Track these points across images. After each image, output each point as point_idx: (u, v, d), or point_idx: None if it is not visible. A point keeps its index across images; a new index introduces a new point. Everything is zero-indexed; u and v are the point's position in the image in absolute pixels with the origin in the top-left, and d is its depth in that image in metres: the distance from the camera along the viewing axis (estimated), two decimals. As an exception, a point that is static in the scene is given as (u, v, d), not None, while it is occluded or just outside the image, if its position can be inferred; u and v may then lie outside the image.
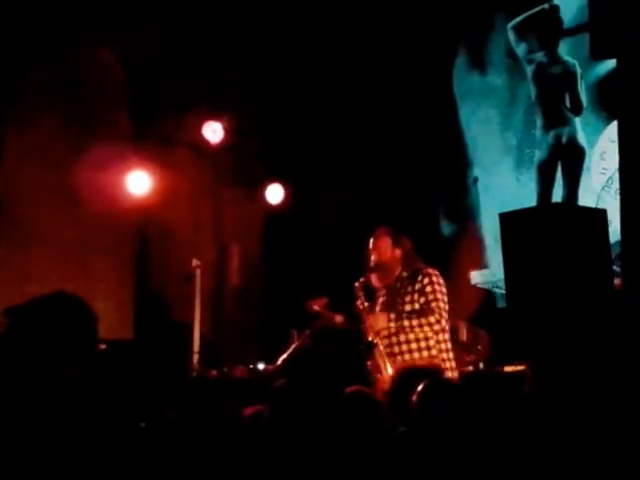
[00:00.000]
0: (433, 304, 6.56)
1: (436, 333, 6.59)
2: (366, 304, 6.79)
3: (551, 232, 5.71)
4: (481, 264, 10.92)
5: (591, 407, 4.87)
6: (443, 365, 6.48)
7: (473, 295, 10.53)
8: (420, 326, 6.54)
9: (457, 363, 7.47)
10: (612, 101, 9.25)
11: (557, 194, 10.40)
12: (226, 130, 10.21)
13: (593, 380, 5.21)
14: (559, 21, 10.49)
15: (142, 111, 10.53)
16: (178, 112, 10.52)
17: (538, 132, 10.67)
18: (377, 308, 6.83)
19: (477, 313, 9.70)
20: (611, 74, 9.04)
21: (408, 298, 6.65)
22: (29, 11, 9.51)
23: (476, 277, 10.88)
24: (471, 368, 8.62)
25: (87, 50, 10.10)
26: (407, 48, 10.75)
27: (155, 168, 9.96)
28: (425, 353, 6.55)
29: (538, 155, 10.62)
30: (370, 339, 6.67)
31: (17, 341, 2.91)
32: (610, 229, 6.10)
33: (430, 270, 6.71)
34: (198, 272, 9.93)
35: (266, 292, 11.47)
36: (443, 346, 6.62)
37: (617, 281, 6.15)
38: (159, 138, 10.45)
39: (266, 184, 10.85)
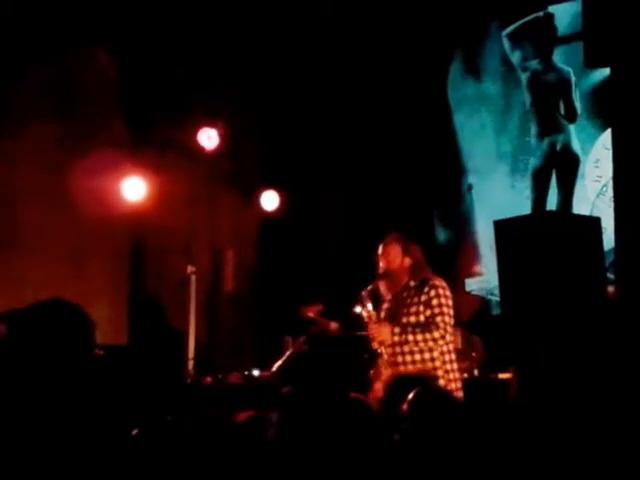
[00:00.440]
0: (438, 318, 6.44)
1: (440, 346, 6.53)
2: (372, 313, 6.68)
3: (545, 240, 5.72)
4: (476, 271, 10.93)
5: (584, 413, 4.88)
6: (446, 376, 6.43)
7: (468, 302, 10.54)
8: (425, 341, 6.46)
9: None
10: (606, 109, 9.28)
11: (552, 201, 10.42)
12: (221, 136, 10.21)
13: (586, 386, 5.22)
14: (554, 29, 10.52)
15: (138, 117, 10.53)
16: (174, 118, 10.52)
17: (533, 139, 10.70)
18: (382, 314, 6.76)
19: (472, 320, 9.70)
20: (605, 82, 9.06)
21: (413, 309, 6.54)
22: (25, 14, 9.51)
23: (471, 284, 10.89)
24: (466, 375, 8.63)
25: (83, 55, 10.11)
26: (402, 55, 10.78)
27: (150, 174, 9.97)
28: (429, 364, 6.48)
29: (533, 162, 10.64)
30: (375, 348, 6.63)
31: (14, 348, 2.92)
32: (604, 236, 6.12)
33: (437, 282, 6.54)
34: (193, 278, 9.95)
35: (261, 298, 11.47)
36: (447, 357, 6.55)
37: (611, 289, 6.17)
38: (155, 144, 10.44)
39: (261, 190, 10.85)
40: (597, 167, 10.26)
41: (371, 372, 6.72)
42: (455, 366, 6.59)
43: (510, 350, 5.99)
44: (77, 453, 2.79)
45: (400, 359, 6.52)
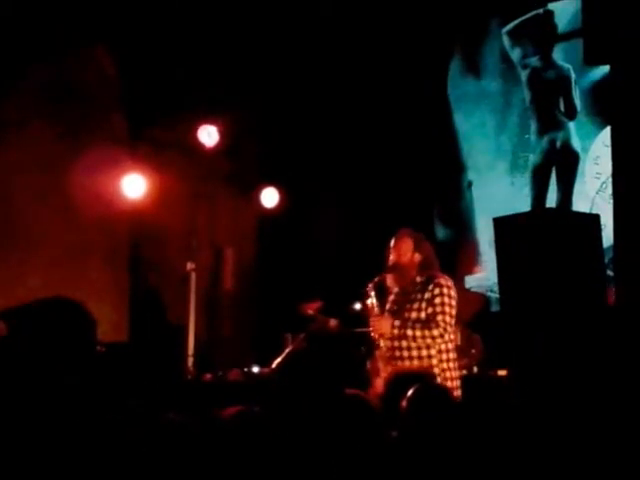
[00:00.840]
0: (439, 317, 6.46)
1: (438, 344, 6.54)
2: (376, 304, 6.71)
3: (545, 237, 5.73)
4: (476, 268, 10.94)
5: (583, 411, 4.89)
6: (442, 374, 6.45)
7: (468, 299, 10.55)
8: (423, 337, 6.48)
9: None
10: (606, 106, 9.29)
11: (551, 198, 10.42)
12: (221, 134, 10.22)
13: (584, 384, 5.23)
14: (553, 26, 10.52)
15: (137, 114, 10.53)
16: (173, 115, 10.52)
17: (532, 137, 10.70)
18: (387, 306, 6.79)
19: (472, 317, 9.70)
20: (605, 79, 9.07)
21: (416, 305, 6.57)
22: (25, 13, 9.51)
23: (471, 281, 10.90)
24: (465, 372, 8.64)
25: (82, 53, 10.11)
26: (402, 53, 10.78)
27: (150, 171, 9.97)
28: (426, 361, 6.50)
29: (532, 160, 10.65)
30: (374, 339, 6.67)
31: (15, 345, 2.92)
32: (604, 233, 6.12)
33: (442, 281, 6.55)
34: (193, 275, 9.95)
35: (260, 295, 11.48)
36: (444, 356, 6.56)
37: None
38: (154, 141, 10.45)
39: (261, 188, 10.85)
40: (597, 164, 10.26)
41: (368, 365, 6.74)
42: (452, 365, 6.60)
43: (508, 347, 5.99)
44: (78, 449, 2.80)
45: (398, 354, 6.55)
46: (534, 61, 10.72)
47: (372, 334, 6.66)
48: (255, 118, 11.22)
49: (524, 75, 10.80)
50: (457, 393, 6.40)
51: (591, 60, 6.47)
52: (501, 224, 6.06)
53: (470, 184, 11.17)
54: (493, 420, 4.12)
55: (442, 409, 4.07)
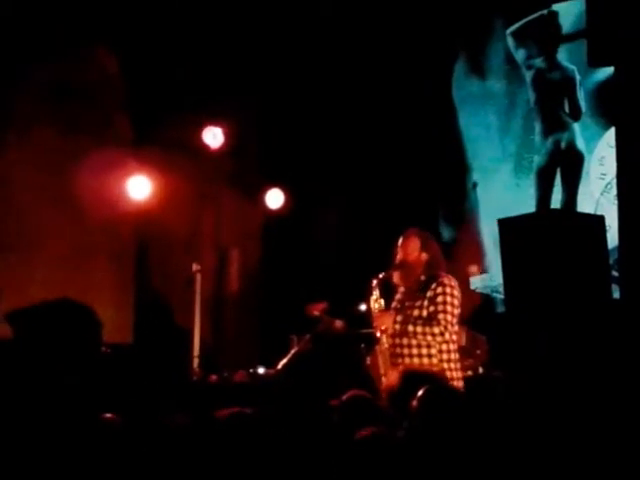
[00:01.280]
0: (440, 315, 6.51)
1: (439, 343, 6.58)
2: (381, 301, 6.77)
3: (549, 238, 5.73)
4: (480, 269, 10.94)
5: (587, 412, 4.89)
6: (443, 374, 6.48)
7: (472, 300, 10.55)
8: (424, 334, 6.54)
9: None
10: (611, 107, 9.29)
11: (556, 199, 10.42)
12: (226, 135, 10.23)
13: (589, 384, 5.23)
14: (558, 27, 10.51)
15: (142, 116, 10.55)
16: (178, 117, 10.53)
17: (537, 137, 10.69)
18: (393, 304, 6.83)
19: (476, 318, 9.71)
20: (610, 80, 9.07)
21: (418, 303, 6.64)
22: (28, 14, 9.53)
23: (476, 282, 10.90)
24: (470, 373, 8.64)
25: (87, 54, 10.12)
26: (406, 53, 10.78)
27: (155, 173, 9.99)
28: (425, 360, 6.55)
29: (537, 160, 10.64)
30: (376, 334, 6.71)
31: (22, 346, 2.93)
32: (609, 234, 6.13)
33: (446, 280, 6.62)
34: (198, 276, 9.96)
35: (266, 296, 11.48)
36: (445, 356, 6.60)
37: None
38: (159, 143, 10.46)
39: (266, 189, 10.87)
40: (601, 165, 10.26)
41: (368, 361, 6.77)
42: (454, 365, 6.63)
43: (512, 347, 6.00)
44: (82, 448, 2.81)
45: (399, 351, 6.60)
46: (539, 62, 10.72)
47: (375, 330, 6.71)
48: (260, 119, 11.23)
49: (529, 76, 10.79)
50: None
51: (595, 62, 6.47)
52: (506, 225, 6.07)
53: (475, 185, 11.18)
54: (498, 421, 4.13)
55: (452, 410, 4.09)
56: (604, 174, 10.20)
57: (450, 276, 6.72)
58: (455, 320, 6.61)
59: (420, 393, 4.21)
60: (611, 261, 6.45)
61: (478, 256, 10.90)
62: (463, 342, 8.88)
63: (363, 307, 6.98)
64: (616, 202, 7.26)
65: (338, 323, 7.79)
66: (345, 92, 11.03)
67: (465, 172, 11.22)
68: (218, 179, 10.83)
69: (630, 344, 5.43)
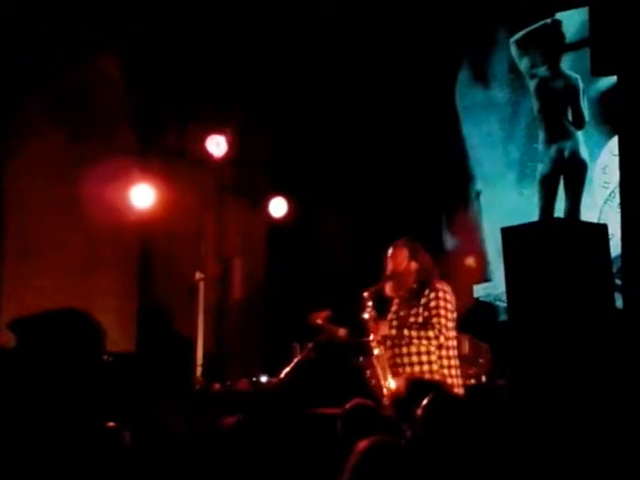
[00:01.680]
0: (434, 319, 6.60)
1: (438, 348, 6.62)
2: (373, 313, 6.84)
3: (553, 246, 5.73)
4: (484, 277, 10.94)
5: (590, 419, 4.89)
6: (444, 380, 6.50)
7: (475, 308, 10.55)
8: (419, 338, 6.60)
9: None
10: (614, 115, 9.29)
11: (559, 208, 10.42)
12: (229, 144, 10.24)
13: (593, 393, 5.23)
14: (561, 36, 10.52)
15: (146, 124, 10.56)
16: (182, 125, 10.56)
17: (540, 146, 10.69)
18: (388, 316, 6.89)
19: (479, 326, 9.70)
20: (613, 88, 9.07)
21: (414, 311, 6.72)
22: (31, 23, 9.55)
23: (479, 290, 10.90)
24: (473, 381, 8.64)
25: (90, 63, 10.14)
26: (410, 62, 10.79)
27: (159, 181, 9.99)
28: (426, 367, 6.60)
29: (540, 169, 10.64)
30: (374, 347, 6.74)
31: (24, 356, 2.93)
32: (612, 243, 6.13)
33: (439, 285, 6.75)
34: (201, 285, 9.97)
35: (269, 305, 11.48)
36: (445, 362, 6.65)
37: None
38: (163, 151, 10.47)
39: (269, 198, 10.87)
40: (605, 173, 10.25)
41: (368, 372, 6.80)
42: (455, 372, 6.69)
43: (514, 355, 6.00)
44: (84, 459, 2.81)
45: (399, 360, 6.65)
46: (542, 71, 10.72)
47: (371, 340, 6.75)
48: (263, 128, 11.23)
49: (532, 85, 10.80)
50: None
51: (598, 71, 6.48)
52: (509, 234, 6.07)
53: (478, 194, 11.18)
54: (502, 429, 4.13)
55: (456, 419, 4.09)
56: (607, 182, 10.20)
57: (443, 282, 6.82)
58: (450, 324, 6.68)
59: (425, 402, 4.21)
60: (614, 269, 6.45)
61: (481, 264, 10.90)
62: (466, 350, 8.89)
63: (366, 315, 7.00)
64: (619, 210, 7.27)
65: (341, 331, 7.78)
66: (348, 99, 11.04)
67: (468, 180, 11.22)
68: (221, 188, 10.84)
69: (633, 352, 5.43)
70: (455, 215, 11.20)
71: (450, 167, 11.10)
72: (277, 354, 9.57)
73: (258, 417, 3.91)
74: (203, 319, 10.02)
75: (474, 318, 9.76)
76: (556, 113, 10.56)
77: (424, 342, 6.59)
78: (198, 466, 3.52)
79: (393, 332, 6.67)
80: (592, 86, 10.23)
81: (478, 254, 10.94)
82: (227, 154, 10.27)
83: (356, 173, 11.10)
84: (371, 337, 6.80)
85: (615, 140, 8.90)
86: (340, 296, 8.07)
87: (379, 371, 6.65)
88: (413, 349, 6.63)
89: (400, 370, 6.62)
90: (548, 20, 10.63)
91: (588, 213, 10.15)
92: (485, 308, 10.68)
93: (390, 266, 6.93)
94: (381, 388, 6.58)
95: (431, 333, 6.57)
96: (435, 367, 6.60)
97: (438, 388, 4.74)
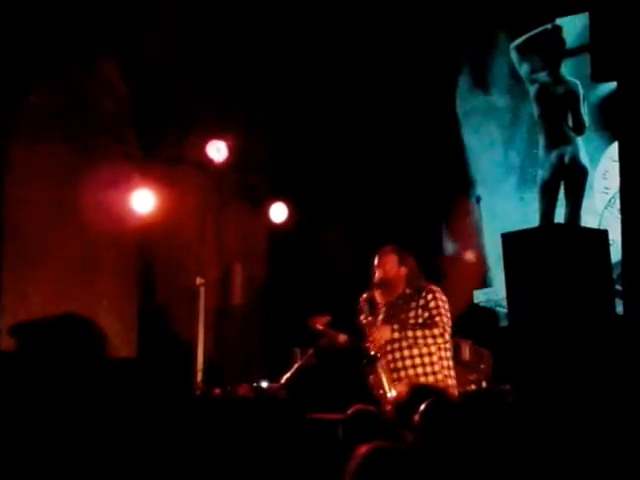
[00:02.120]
0: (437, 318, 6.68)
1: (439, 349, 6.67)
2: (370, 318, 6.89)
3: (553, 252, 5.74)
4: (484, 283, 10.94)
5: (592, 425, 4.89)
6: (445, 381, 6.55)
7: (476, 314, 10.56)
8: (424, 337, 6.65)
9: (460, 382, 7.53)
10: (614, 121, 9.30)
11: (560, 213, 10.42)
12: (230, 149, 10.24)
13: (594, 398, 5.23)
14: (562, 41, 10.53)
15: (146, 130, 10.56)
16: (182, 131, 10.56)
17: (541, 151, 10.70)
18: (377, 324, 6.91)
19: (480, 332, 9.71)
20: (613, 94, 9.08)
21: (412, 314, 6.77)
22: (31, 27, 9.55)
23: (479, 296, 10.90)
24: (474, 387, 8.64)
25: (91, 68, 10.14)
26: (410, 67, 10.81)
27: (159, 186, 9.99)
28: (429, 369, 6.63)
29: (541, 174, 10.64)
30: (373, 353, 6.75)
31: (24, 361, 2.94)
32: (612, 249, 6.14)
33: (434, 287, 6.91)
34: (202, 290, 9.96)
35: (269, 310, 11.48)
36: (445, 363, 6.71)
37: None
38: (163, 157, 10.47)
39: (270, 203, 10.87)
40: (605, 179, 10.26)
41: (370, 378, 6.81)
42: (453, 373, 6.74)
43: (515, 361, 6.01)
44: (85, 464, 2.81)
45: (400, 364, 6.67)
46: (542, 76, 10.73)
47: (371, 347, 6.76)
48: (264, 133, 11.24)
49: (532, 90, 10.80)
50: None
51: (599, 76, 6.51)
52: (510, 239, 6.09)
53: (478, 199, 11.18)
54: (503, 435, 4.13)
55: (455, 424, 4.09)
56: (608, 188, 10.20)
57: (435, 284, 6.93)
58: (450, 323, 6.75)
59: (422, 407, 4.22)
60: (615, 275, 6.46)
61: (482, 270, 10.90)
62: (467, 356, 8.89)
63: (364, 321, 7.02)
64: (620, 216, 7.28)
65: (341, 337, 7.79)
66: (349, 104, 11.05)
67: (469, 186, 11.23)
68: (222, 193, 10.85)
69: (634, 358, 5.44)
70: (455, 220, 11.20)
71: (450, 172, 11.10)
72: (277, 359, 9.57)
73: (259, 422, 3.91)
74: (203, 324, 10.01)
75: (475, 324, 9.78)
76: (556, 119, 10.56)
77: (429, 341, 6.65)
78: (198, 468, 3.52)
79: (396, 335, 6.70)
80: (592, 92, 10.24)
81: (478, 259, 10.94)
82: (227, 159, 10.27)
83: (356, 178, 11.10)
84: (369, 342, 6.81)
85: (615, 146, 8.91)
86: (340, 301, 8.08)
87: (382, 377, 6.66)
88: (415, 351, 6.67)
89: (402, 373, 6.64)
90: (548, 25, 10.64)
91: (588, 219, 10.16)
92: (486, 314, 10.69)
93: (379, 273, 7.01)
94: (384, 394, 6.58)
95: (436, 331, 6.66)
96: (437, 368, 6.65)
97: (438, 394, 4.74)
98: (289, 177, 11.23)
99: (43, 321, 2.99)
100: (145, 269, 10.66)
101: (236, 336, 11.17)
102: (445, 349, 6.77)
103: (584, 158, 10.36)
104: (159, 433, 3.66)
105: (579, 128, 10.40)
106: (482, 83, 11.23)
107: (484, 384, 9.01)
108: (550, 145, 10.57)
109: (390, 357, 6.75)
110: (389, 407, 5.87)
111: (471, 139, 11.30)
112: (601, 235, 6.22)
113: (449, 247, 11.18)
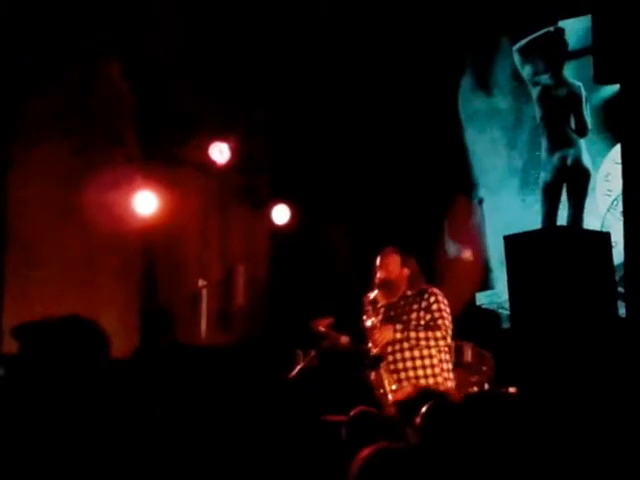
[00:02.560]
0: (439, 321, 6.71)
1: (439, 351, 6.70)
2: (373, 319, 6.89)
3: (555, 255, 5.74)
4: (486, 285, 10.94)
5: (596, 428, 4.89)
6: (445, 384, 6.56)
7: (478, 316, 10.56)
8: (427, 339, 6.67)
9: (462, 384, 7.54)
10: (617, 123, 9.30)
11: (562, 216, 10.42)
12: (233, 150, 10.24)
13: (596, 401, 5.23)
14: (564, 44, 10.52)
15: (149, 131, 10.56)
16: (185, 132, 10.56)
17: (543, 154, 10.70)
18: (378, 323, 6.92)
19: (482, 334, 9.71)
20: (616, 96, 9.08)
21: (414, 315, 6.79)
22: (34, 27, 9.56)
23: (481, 298, 10.90)
24: (476, 389, 8.63)
25: (95, 71, 10.15)
26: (413, 69, 10.81)
27: (162, 188, 10.00)
28: (429, 371, 6.65)
29: (543, 177, 10.64)
30: (376, 354, 6.76)
31: (27, 363, 2.94)
32: (615, 251, 6.14)
33: (435, 290, 6.93)
34: (204, 292, 9.96)
35: (271, 312, 11.48)
36: (445, 366, 6.74)
37: None
38: (166, 158, 10.47)
39: (272, 204, 10.88)
40: (608, 181, 10.26)
41: (372, 378, 6.81)
42: (452, 375, 6.77)
43: (518, 364, 6.02)
44: (90, 465, 2.81)
45: (401, 365, 6.68)
46: (545, 78, 10.73)
47: (373, 348, 6.78)
48: (266, 134, 11.24)
49: (535, 92, 10.80)
50: None
51: (601, 79, 6.51)
52: (512, 242, 6.09)
53: (481, 201, 11.18)
54: (504, 438, 4.12)
55: (456, 426, 4.09)
56: (610, 190, 10.20)
57: (435, 287, 6.95)
58: (451, 326, 6.76)
59: (423, 410, 4.22)
60: (617, 278, 6.46)
61: (484, 272, 10.90)
62: (469, 358, 8.89)
63: (368, 322, 7.04)
64: (622, 218, 7.28)
65: (344, 339, 7.79)
66: (351, 106, 11.05)
67: (471, 188, 11.23)
68: (225, 195, 10.85)
69: (636, 361, 5.43)
70: (458, 222, 11.20)
71: (452, 174, 11.10)
72: (279, 361, 9.56)
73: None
74: (206, 325, 10.01)
75: (477, 326, 9.78)
76: (559, 121, 10.56)
77: (431, 343, 6.68)
78: (199, 469, 3.52)
79: (398, 335, 6.71)
80: (595, 94, 10.24)
81: (481, 261, 10.94)
82: (230, 161, 10.27)
83: (359, 180, 11.10)
84: (371, 343, 6.82)
85: (618, 148, 8.91)
86: (343, 303, 8.09)
87: (383, 377, 6.67)
88: (416, 353, 6.70)
89: (402, 375, 6.66)
90: (551, 28, 10.64)
91: (591, 221, 10.16)
92: (488, 316, 10.69)
93: (381, 274, 7.02)
94: (385, 395, 6.59)
95: (439, 333, 6.69)
96: (437, 370, 6.68)
97: (440, 397, 4.74)
98: (291, 179, 11.24)
99: (45, 323, 2.99)
100: (147, 271, 10.67)
101: (238, 337, 11.16)
102: (445, 351, 6.80)
103: (586, 160, 10.35)
104: (160, 433, 3.66)
105: (581, 130, 10.40)
106: (485, 85, 11.23)
107: (486, 386, 9.01)
108: (552, 147, 10.57)
109: (391, 358, 6.77)
110: (392, 408, 5.88)
111: (473, 141, 11.30)
112: (603, 237, 6.23)
113: (451, 249, 11.18)
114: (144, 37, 10.07)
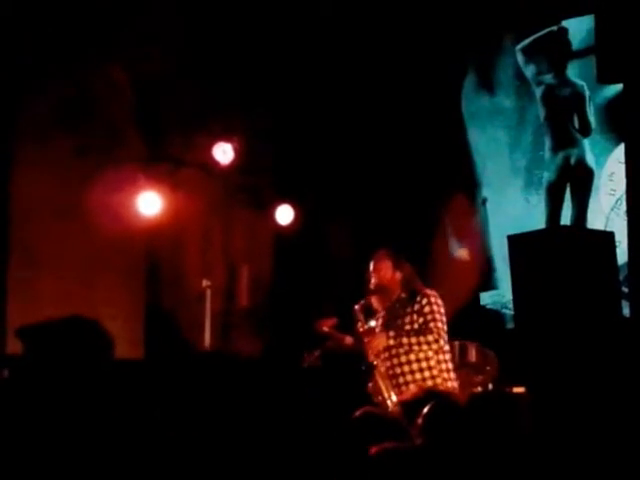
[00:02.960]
0: (431, 324, 6.67)
1: (436, 353, 6.69)
2: (366, 326, 6.89)
3: (559, 254, 5.74)
4: (490, 285, 10.93)
5: (595, 430, 4.89)
6: (444, 384, 6.56)
7: (482, 316, 10.55)
8: (419, 344, 6.65)
9: (466, 384, 7.54)
10: (620, 123, 9.29)
11: (566, 215, 10.42)
12: (236, 151, 10.25)
13: (601, 400, 5.23)
14: (568, 43, 10.52)
15: (152, 132, 10.57)
16: (188, 133, 10.55)
17: (547, 153, 10.69)
18: (376, 330, 6.92)
19: (486, 334, 9.70)
20: (619, 96, 9.08)
21: (407, 319, 6.77)
22: (38, 28, 9.56)
23: (485, 298, 10.89)
24: (480, 389, 8.63)
25: (99, 71, 10.15)
26: (416, 68, 10.81)
27: (165, 189, 10.00)
28: (427, 373, 6.64)
29: (547, 176, 10.64)
30: (371, 361, 6.76)
31: (31, 363, 2.94)
32: (619, 250, 6.13)
33: (428, 291, 6.85)
34: (208, 292, 9.96)
35: (275, 313, 11.48)
36: (444, 366, 6.71)
37: None
38: (169, 159, 10.48)
39: (276, 205, 10.88)
40: (611, 181, 10.25)
41: (369, 385, 6.82)
42: (453, 375, 6.75)
43: (523, 363, 6.01)
44: (94, 464, 2.82)
45: (398, 370, 6.69)
46: (548, 78, 10.72)
47: (369, 355, 6.77)
48: (269, 135, 11.24)
49: (538, 92, 10.80)
50: None
51: (604, 78, 6.50)
52: (516, 241, 6.09)
53: (484, 201, 11.17)
54: (508, 437, 4.12)
55: (458, 427, 4.09)
56: (614, 190, 10.19)
57: (430, 288, 6.90)
58: (445, 328, 6.74)
59: (425, 410, 4.23)
60: (621, 277, 6.46)
61: (488, 272, 10.90)
62: (473, 358, 8.90)
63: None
64: (626, 218, 7.27)
65: (347, 339, 7.80)
66: (354, 106, 11.06)
67: (474, 187, 11.22)
68: (228, 195, 10.84)
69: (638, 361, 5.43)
70: (461, 222, 11.20)
71: (456, 174, 11.10)
72: (283, 361, 9.56)
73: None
74: (210, 326, 10.01)
75: (480, 326, 9.77)
76: (562, 120, 10.55)
77: (424, 347, 6.66)
78: (199, 469, 3.52)
79: (391, 342, 6.70)
80: (598, 93, 10.23)
81: (484, 261, 10.93)
82: (233, 161, 10.27)
83: (362, 180, 11.10)
84: (367, 350, 6.82)
85: (621, 148, 8.91)
86: (346, 304, 8.09)
87: (380, 384, 6.67)
88: (412, 357, 6.69)
89: (401, 379, 6.67)
90: (554, 27, 10.64)
91: (595, 220, 10.15)
92: (492, 316, 10.68)
93: (375, 279, 7.01)
94: (384, 400, 6.59)
95: (430, 337, 6.65)
96: (435, 372, 6.66)
97: (443, 398, 4.74)
98: (295, 179, 11.24)
99: (50, 324, 3.00)
100: (151, 272, 10.67)
101: (242, 338, 11.17)
102: (443, 352, 6.77)
103: (590, 160, 10.35)
104: (162, 433, 3.66)
105: (585, 130, 10.39)
106: (488, 85, 11.22)
107: (490, 386, 9.01)
108: (556, 147, 10.56)
109: (389, 363, 6.77)
110: (395, 410, 5.88)
111: (477, 141, 11.30)
112: (607, 237, 6.22)
113: (455, 249, 11.17)
114: (146, 37, 10.07)
